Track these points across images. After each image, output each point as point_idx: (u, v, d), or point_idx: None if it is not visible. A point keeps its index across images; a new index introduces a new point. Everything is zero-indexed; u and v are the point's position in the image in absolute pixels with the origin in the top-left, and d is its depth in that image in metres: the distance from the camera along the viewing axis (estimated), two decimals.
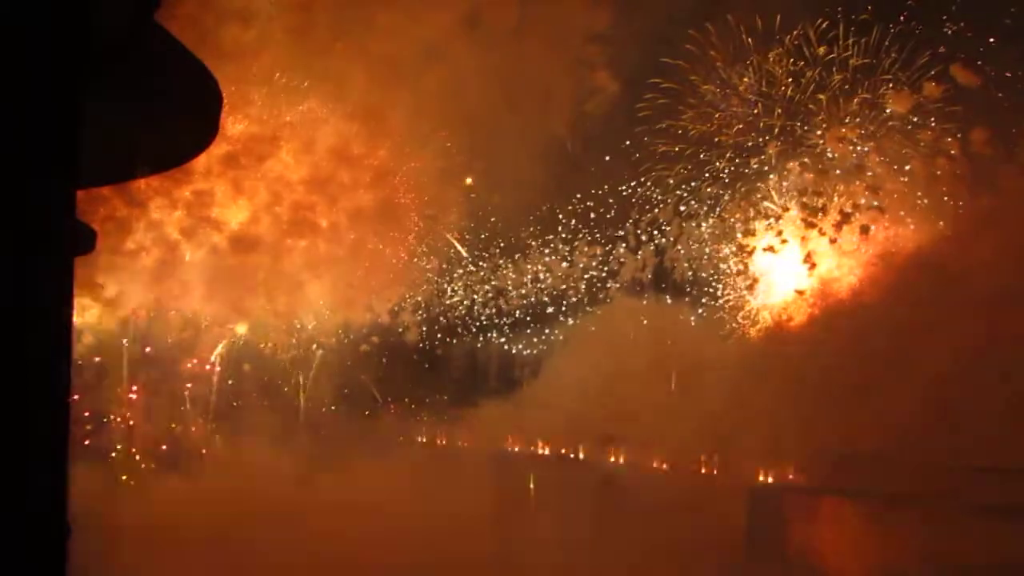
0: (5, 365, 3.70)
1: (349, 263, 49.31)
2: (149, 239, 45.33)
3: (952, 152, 44.51)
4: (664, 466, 36.41)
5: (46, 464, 3.84)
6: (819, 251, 47.06)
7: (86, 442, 45.55)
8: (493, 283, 56.84)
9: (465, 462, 42.62)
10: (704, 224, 51.98)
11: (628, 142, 53.24)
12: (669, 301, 53.57)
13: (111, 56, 4.33)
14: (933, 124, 45.21)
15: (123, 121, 4.89)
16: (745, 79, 50.30)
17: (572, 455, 43.66)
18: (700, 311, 52.92)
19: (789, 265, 48.18)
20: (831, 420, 34.03)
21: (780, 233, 47.75)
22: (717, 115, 51.49)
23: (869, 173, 46.38)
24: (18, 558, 3.60)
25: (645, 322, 52.71)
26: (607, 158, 53.90)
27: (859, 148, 46.64)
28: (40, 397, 3.83)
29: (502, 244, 56.62)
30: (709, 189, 51.68)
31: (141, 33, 4.57)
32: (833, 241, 45.61)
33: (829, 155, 47.12)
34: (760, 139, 49.79)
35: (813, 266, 46.32)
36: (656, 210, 53.59)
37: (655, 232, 53.16)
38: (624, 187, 54.38)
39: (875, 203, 45.11)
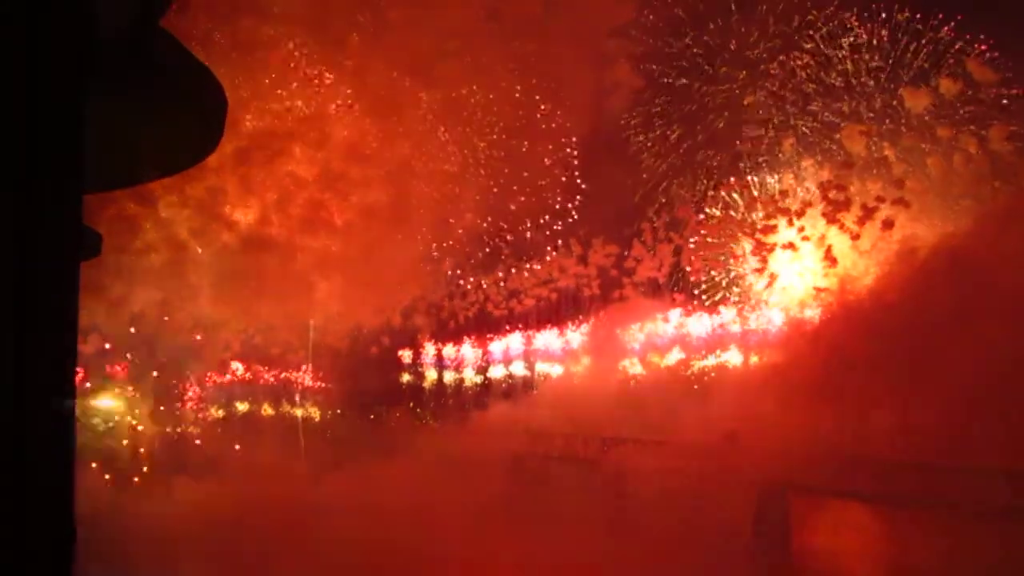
0: (11, 369, 3.76)
1: (361, 262, 49.20)
2: (159, 238, 45.41)
3: (972, 148, 44.54)
4: (674, 465, 36.40)
5: (52, 466, 3.90)
6: (836, 248, 46.95)
7: (95, 445, 45.83)
8: (505, 284, 56.78)
9: (472, 464, 42.49)
10: (720, 220, 51.97)
11: (643, 138, 53.67)
12: (683, 300, 53.69)
13: (117, 62, 4.41)
14: (953, 120, 45.26)
15: (128, 126, 4.97)
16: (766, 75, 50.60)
17: (582, 455, 43.60)
18: (714, 309, 53.09)
19: (808, 262, 48.03)
20: (841, 421, 33.97)
21: (802, 229, 47.64)
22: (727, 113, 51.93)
23: (888, 169, 46.35)
24: (24, 559, 3.67)
25: (659, 321, 52.75)
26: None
27: (879, 144, 46.63)
28: (46, 399, 3.88)
29: (533, 245, 56.53)
30: (724, 183, 51.88)
31: (147, 38, 4.65)
32: (856, 237, 45.44)
33: (849, 151, 47.22)
34: (778, 135, 50.00)
35: (834, 262, 46.12)
36: (670, 205, 53.83)
37: (671, 231, 53.18)
38: (643, 183, 54.48)
39: (896, 198, 45.10)
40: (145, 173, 6.12)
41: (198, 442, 49.77)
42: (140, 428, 48.21)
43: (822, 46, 48.61)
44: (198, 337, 49.61)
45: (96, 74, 4.27)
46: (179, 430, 50.19)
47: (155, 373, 49.26)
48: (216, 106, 5.59)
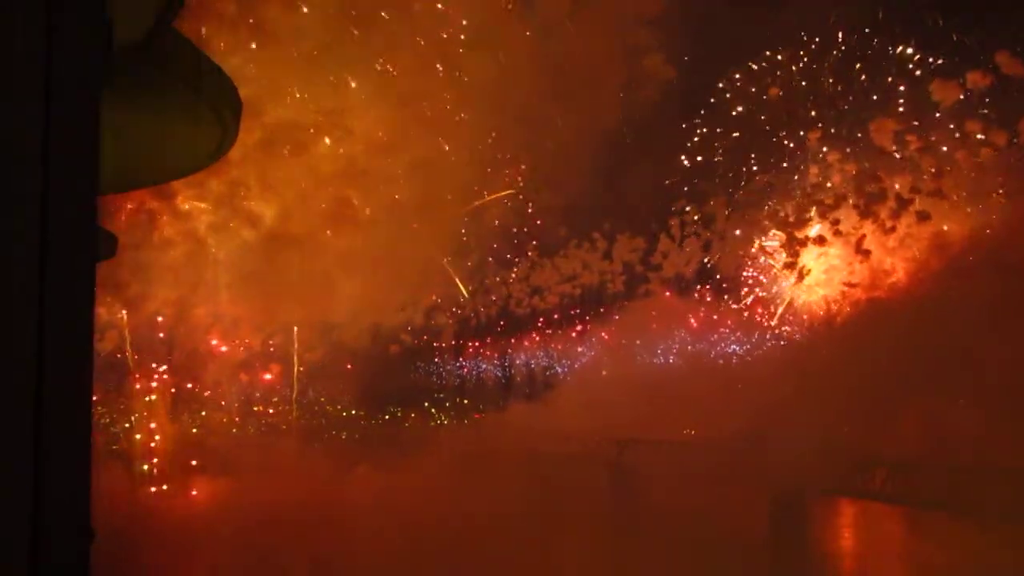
0: (28, 370, 3.82)
1: (384, 260, 49.15)
2: (178, 232, 45.55)
3: (1001, 143, 44.24)
4: (694, 467, 36.41)
5: (69, 465, 3.95)
6: (868, 241, 46.74)
7: (113, 446, 46.14)
8: (529, 281, 56.64)
9: (485, 465, 42.53)
10: (751, 214, 51.79)
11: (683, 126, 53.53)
12: (705, 297, 53.54)
13: (131, 65, 4.49)
14: (980, 115, 44.94)
15: (142, 129, 5.04)
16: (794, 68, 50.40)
17: (599, 456, 43.58)
18: (740, 306, 52.92)
19: (839, 258, 47.81)
20: (859, 424, 33.85)
21: (837, 223, 47.46)
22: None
23: (919, 161, 46.13)
24: (41, 562, 3.73)
25: (683, 319, 52.59)
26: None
27: (908, 138, 46.37)
28: (62, 401, 3.94)
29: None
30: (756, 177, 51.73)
31: (160, 41, 4.73)
32: (892, 229, 45.24)
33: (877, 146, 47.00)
34: (803, 130, 49.82)
35: (867, 256, 45.88)
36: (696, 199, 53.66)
37: (699, 225, 53.04)
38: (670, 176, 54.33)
39: (933, 189, 44.87)
40: (160, 175, 6.21)
41: (216, 441, 49.96)
42: (157, 427, 48.42)
43: (851, 42, 48.49)
44: (216, 334, 49.80)
45: (111, 78, 4.34)
46: (195, 430, 50.43)
47: (173, 371, 49.48)
48: (230, 107, 5.65)
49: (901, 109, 47.08)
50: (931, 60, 46.68)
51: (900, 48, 47.56)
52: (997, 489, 28.44)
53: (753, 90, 51.62)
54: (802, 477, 33.95)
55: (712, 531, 33.10)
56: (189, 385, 50.26)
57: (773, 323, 50.88)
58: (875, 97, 48.04)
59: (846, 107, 48.82)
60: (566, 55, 49.75)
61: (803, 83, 50.01)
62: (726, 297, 53.35)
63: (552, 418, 48.66)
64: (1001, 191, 44.11)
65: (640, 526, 35.95)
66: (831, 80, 49.23)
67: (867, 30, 48.12)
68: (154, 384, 48.86)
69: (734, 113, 52.42)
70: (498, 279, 56.49)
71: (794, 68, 50.21)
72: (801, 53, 49.93)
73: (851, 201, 47.26)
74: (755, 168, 51.97)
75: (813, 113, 49.71)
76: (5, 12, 3.91)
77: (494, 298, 56.71)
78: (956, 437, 30.47)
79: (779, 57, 50.58)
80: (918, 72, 46.92)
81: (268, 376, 53.07)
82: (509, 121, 50.34)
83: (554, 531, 35.59)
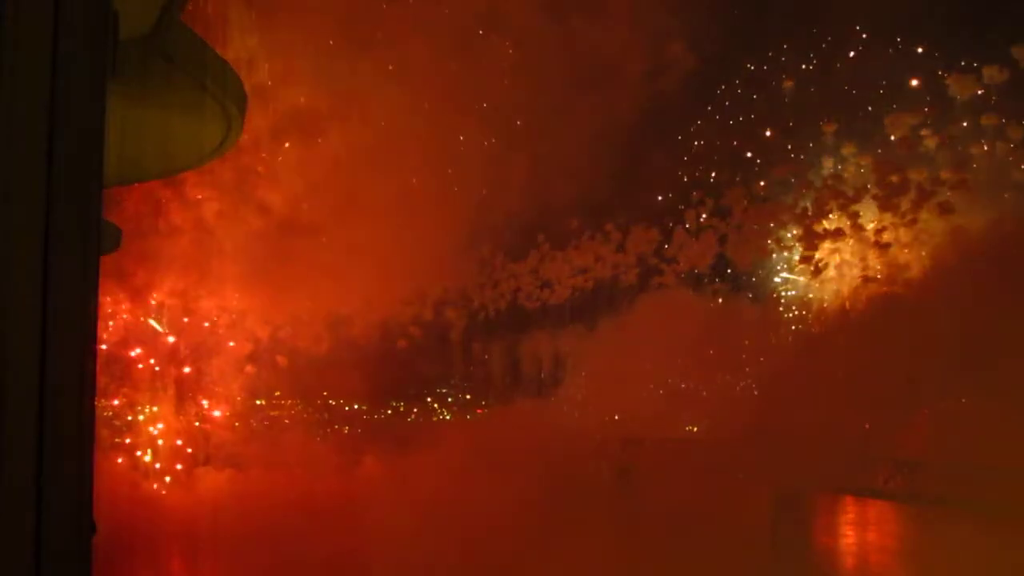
0: (30, 365, 3.88)
1: (393, 251, 49.09)
2: (185, 220, 45.57)
3: (1018, 137, 44.15)
4: (697, 465, 36.51)
5: (71, 460, 3.98)
6: (887, 235, 46.66)
7: (115, 439, 46.28)
8: (539, 274, 56.47)
9: (487, 461, 42.62)
10: (768, 206, 51.67)
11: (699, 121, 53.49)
12: (719, 291, 53.44)
13: (136, 57, 4.53)
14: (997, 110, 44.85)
15: (148, 122, 5.08)
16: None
17: (603, 453, 43.66)
18: (753, 301, 52.88)
19: (856, 251, 47.76)
20: (864, 421, 33.94)
21: (857, 216, 47.40)
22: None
23: (938, 154, 46.06)
24: (41, 557, 3.78)
25: (695, 314, 52.43)
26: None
27: (924, 132, 46.28)
28: (65, 394, 3.98)
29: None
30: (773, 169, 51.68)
31: (166, 34, 4.77)
32: (913, 222, 45.19)
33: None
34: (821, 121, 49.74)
35: (885, 248, 45.81)
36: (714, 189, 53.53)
37: (715, 217, 52.95)
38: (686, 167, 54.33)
39: (958, 180, 44.79)
40: (163, 169, 6.26)
41: (219, 434, 50.06)
42: (161, 420, 48.54)
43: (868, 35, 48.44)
44: (222, 326, 49.85)
45: (116, 71, 4.39)
46: (199, 423, 50.54)
47: (177, 363, 49.57)
48: (236, 102, 5.69)
49: (917, 103, 47.01)
50: (948, 54, 46.63)
51: (916, 42, 47.50)
52: (1003, 487, 28.50)
53: (771, 82, 51.61)
54: (806, 474, 34.01)
55: (716, 528, 33.18)
56: (193, 377, 50.33)
57: (784, 318, 50.85)
58: (891, 91, 48.01)
59: (861, 102, 48.80)
60: (584, 42, 49.64)
61: (819, 76, 50.03)
62: (740, 292, 53.37)
63: (556, 414, 48.70)
64: (1017, 187, 44.11)
65: (644, 523, 36.05)
66: (847, 74, 49.23)
67: (884, 23, 48.06)
68: (158, 374, 48.96)
69: (751, 105, 52.42)
70: (508, 271, 56.33)
71: (810, 63, 50.22)
72: (813, 54, 49.99)
73: (871, 193, 47.26)
74: (772, 161, 52.00)
75: (830, 106, 49.68)
76: (10, 4, 3.95)
77: (504, 291, 56.56)
78: (962, 435, 30.54)
79: (788, 53, 50.60)
80: (934, 66, 46.86)
81: (273, 369, 53.11)
82: (524, 109, 50.26)
83: (557, 527, 35.68)
